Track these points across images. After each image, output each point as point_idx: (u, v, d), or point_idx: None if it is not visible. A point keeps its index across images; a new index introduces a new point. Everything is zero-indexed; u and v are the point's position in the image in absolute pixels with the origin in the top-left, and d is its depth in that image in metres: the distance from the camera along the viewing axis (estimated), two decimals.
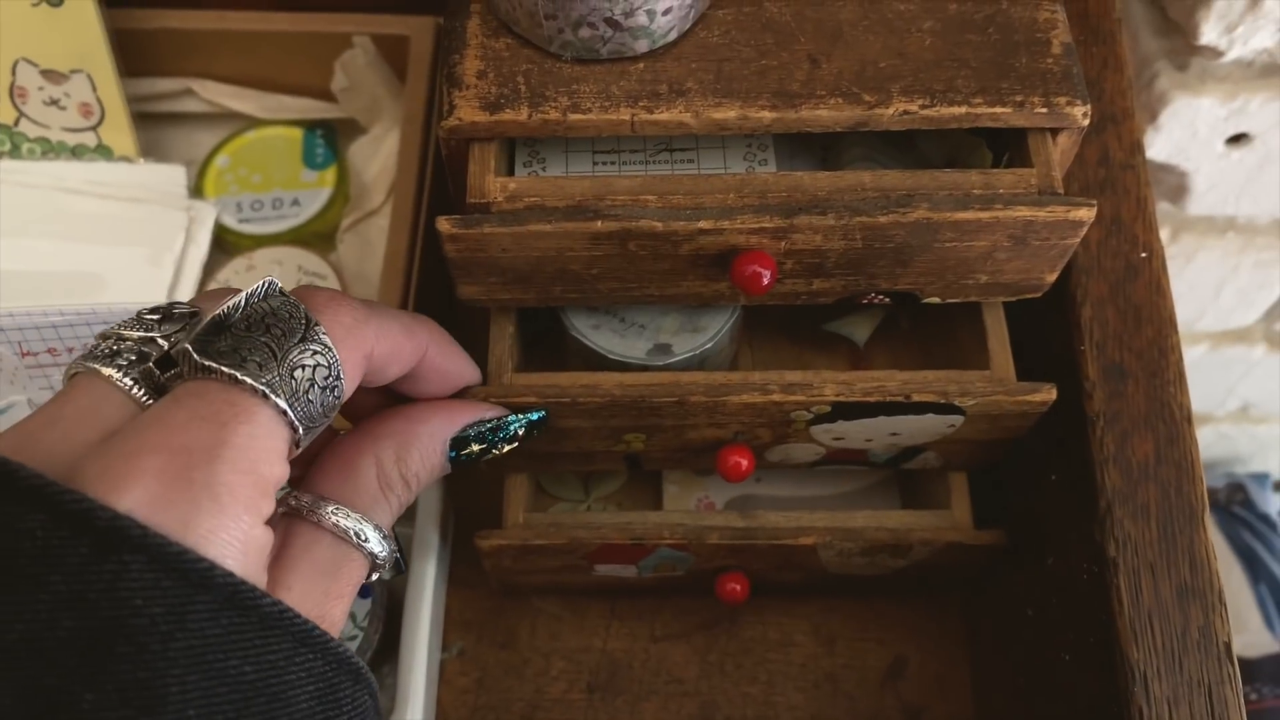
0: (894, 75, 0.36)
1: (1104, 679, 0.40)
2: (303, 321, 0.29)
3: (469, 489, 0.51)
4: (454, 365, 0.36)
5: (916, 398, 0.39)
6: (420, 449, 0.34)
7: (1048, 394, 0.40)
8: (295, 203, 0.58)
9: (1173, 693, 0.38)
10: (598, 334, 0.41)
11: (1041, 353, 0.45)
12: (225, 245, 0.57)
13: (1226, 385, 0.86)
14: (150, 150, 0.58)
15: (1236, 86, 0.59)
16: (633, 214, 0.35)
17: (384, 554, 0.32)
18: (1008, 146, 0.38)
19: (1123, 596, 0.39)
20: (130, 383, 0.28)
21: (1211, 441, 0.93)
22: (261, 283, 0.30)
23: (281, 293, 0.30)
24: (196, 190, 0.58)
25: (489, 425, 0.37)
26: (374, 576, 0.32)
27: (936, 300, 0.39)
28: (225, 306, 0.29)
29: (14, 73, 0.55)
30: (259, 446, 0.27)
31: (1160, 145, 0.62)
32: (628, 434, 0.41)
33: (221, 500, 0.25)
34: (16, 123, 0.56)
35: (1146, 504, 0.40)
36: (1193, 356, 0.82)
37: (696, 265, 0.37)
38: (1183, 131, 0.61)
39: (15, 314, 0.43)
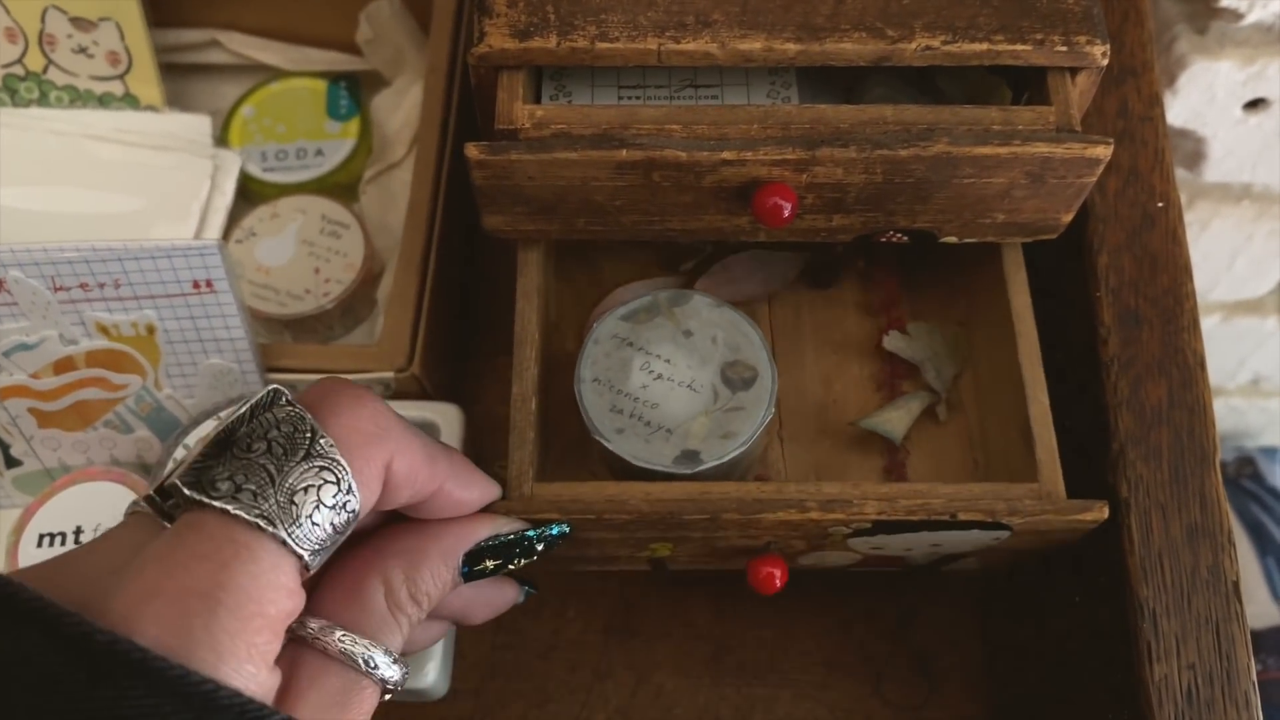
0: (917, 11, 0.37)
1: (1113, 618, 0.40)
2: (308, 435, 0.28)
3: (489, 429, 0.52)
4: (472, 495, 0.34)
5: (963, 516, 0.37)
6: (431, 568, 0.32)
7: (1099, 513, 0.37)
8: (319, 153, 0.58)
9: (1180, 629, 0.38)
10: (621, 439, 0.39)
11: (1058, 299, 0.45)
12: (250, 194, 0.58)
13: (1238, 357, 0.86)
14: (176, 100, 0.59)
15: (1255, 50, 0.59)
16: (657, 143, 0.35)
17: (395, 678, 0.30)
18: (1027, 86, 0.39)
19: (1133, 536, 0.40)
20: (149, 509, 0.28)
21: (1222, 415, 0.93)
22: (267, 391, 0.29)
23: (289, 401, 0.29)
24: (221, 140, 0.59)
25: (505, 540, 0.35)
26: (386, 697, 0.31)
27: (954, 239, 0.40)
28: (230, 420, 0.28)
29: (44, 20, 0.55)
30: (263, 585, 0.26)
31: (1178, 109, 0.63)
32: (654, 543, 0.40)
33: (221, 651, 0.25)
34: (45, 70, 0.56)
35: (1159, 446, 0.41)
36: (1205, 328, 0.81)
37: (719, 197, 0.37)
38: (1200, 95, 0.62)
39: (49, 249, 0.44)
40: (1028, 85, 0.39)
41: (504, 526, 0.35)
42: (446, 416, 0.50)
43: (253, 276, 0.54)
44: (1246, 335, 0.84)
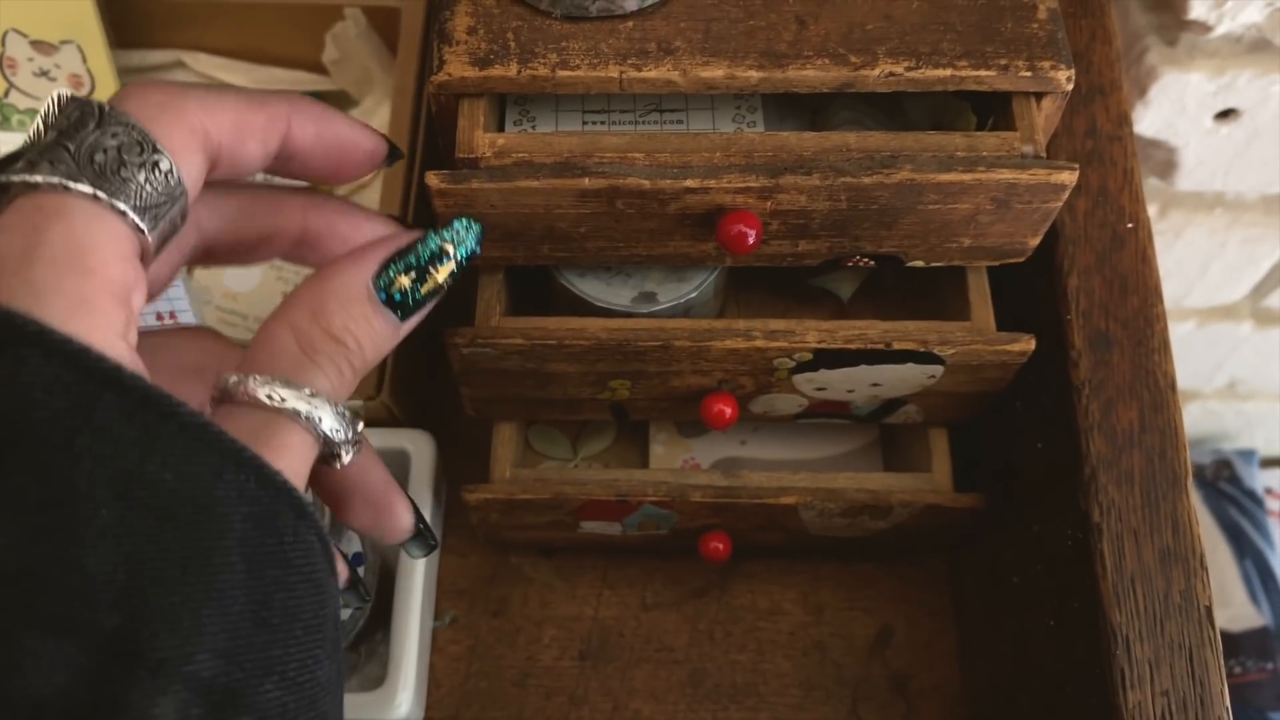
0: (880, 37, 0.36)
1: (1087, 643, 0.40)
2: (96, 113, 0.27)
3: (459, 454, 0.52)
4: (339, 130, 0.32)
5: (897, 346, 0.39)
6: (337, 300, 0.31)
7: (1026, 344, 0.40)
8: None
9: (1154, 654, 0.38)
10: (584, 281, 0.41)
11: (1028, 322, 0.45)
12: None
13: (1214, 362, 0.87)
14: None
15: (1225, 62, 0.59)
16: (620, 171, 0.35)
17: (311, 413, 0.29)
18: (992, 110, 0.38)
19: (1106, 561, 0.40)
20: None
21: (1199, 418, 0.94)
22: (52, 97, 0.28)
23: (73, 98, 0.28)
24: None
25: (412, 253, 0.32)
26: (345, 460, 0.30)
27: (920, 263, 0.40)
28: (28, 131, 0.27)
29: (4, 43, 0.55)
30: (80, 242, 0.25)
31: (1149, 120, 0.63)
32: (613, 380, 0.41)
33: (44, 299, 0.24)
34: (6, 94, 0.56)
35: (1131, 470, 0.41)
36: (1180, 333, 0.82)
37: (683, 224, 0.37)
38: (1171, 106, 0.62)
39: None
40: (993, 109, 0.38)
41: (403, 239, 0.32)
42: (418, 444, 0.50)
43: (220, 302, 0.54)
44: (1221, 340, 0.84)
